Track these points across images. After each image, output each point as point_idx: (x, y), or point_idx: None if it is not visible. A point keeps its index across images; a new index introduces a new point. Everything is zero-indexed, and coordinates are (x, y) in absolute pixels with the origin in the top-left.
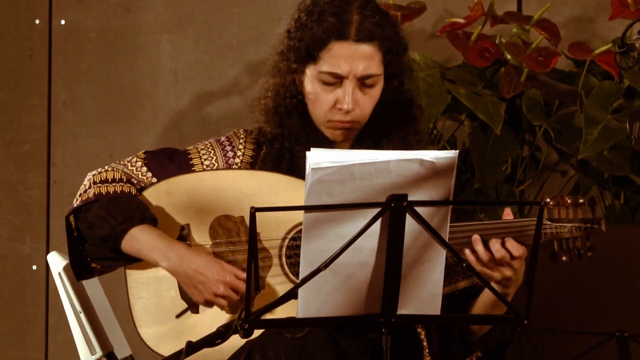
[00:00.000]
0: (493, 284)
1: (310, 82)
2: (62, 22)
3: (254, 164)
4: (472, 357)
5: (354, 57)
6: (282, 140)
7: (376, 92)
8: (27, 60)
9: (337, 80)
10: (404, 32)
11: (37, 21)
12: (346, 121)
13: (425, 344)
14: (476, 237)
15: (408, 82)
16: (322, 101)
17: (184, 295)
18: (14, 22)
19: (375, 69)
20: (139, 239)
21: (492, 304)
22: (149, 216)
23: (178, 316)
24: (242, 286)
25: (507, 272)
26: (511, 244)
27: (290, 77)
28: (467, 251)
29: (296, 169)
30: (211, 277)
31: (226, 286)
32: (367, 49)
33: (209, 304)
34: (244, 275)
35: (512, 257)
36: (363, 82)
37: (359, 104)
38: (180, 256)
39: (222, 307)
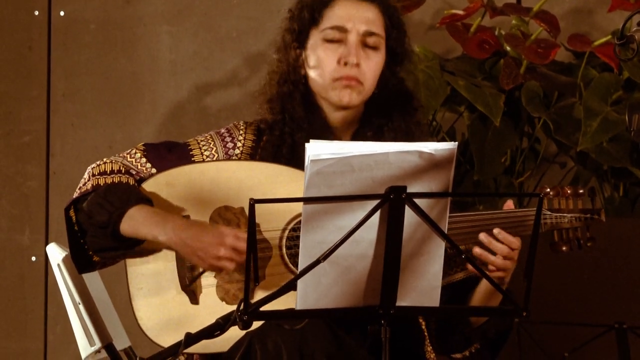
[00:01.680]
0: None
1: (313, 51)
2: (62, 13)
3: (254, 155)
4: (471, 349)
5: (357, 13)
6: (283, 126)
7: (379, 59)
8: (26, 51)
9: (341, 35)
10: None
11: (37, 12)
12: (352, 76)
13: (426, 334)
14: (483, 234)
15: (406, 73)
16: (327, 61)
17: (181, 272)
18: (14, 14)
19: (377, 29)
20: (135, 217)
21: (489, 294)
22: (145, 197)
23: (184, 315)
24: (243, 246)
25: (508, 265)
26: (503, 236)
27: (293, 59)
28: (478, 250)
29: (297, 156)
30: (210, 241)
31: (227, 248)
32: (370, 8)
33: (215, 269)
34: (244, 235)
35: (511, 249)
36: (366, 42)
37: (363, 63)
38: (177, 227)
39: (228, 270)
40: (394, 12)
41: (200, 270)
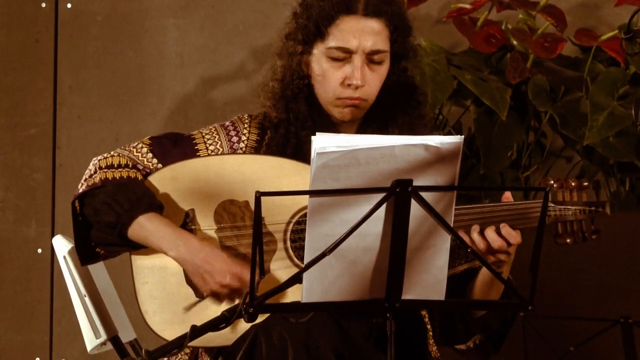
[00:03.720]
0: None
1: (317, 61)
2: (69, 5)
3: (258, 149)
4: (474, 340)
5: (363, 32)
6: (288, 125)
7: (383, 70)
8: (33, 44)
9: (346, 55)
10: (409, 14)
11: (44, 5)
12: (355, 97)
13: (429, 327)
14: (475, 227)
15: (412, 67)
16: (331, 79)
17: (190, 281)
18: (21, 6)
19: (383, 45)
20: (146, 227)
21: (489, 284)
22: (156, 204)
23: (188, 309)
24: (248, 279)
25: (502, 257)
26: (506, 230)
27: (297, 59)
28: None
29: (301, 154)
30: (218, 267)
31: (233, 277)
32: (375, 24)
33: (214, 295)
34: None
35: (509, 244)
36: (371, 59)
37: (367, 80)
38: (188, 245)
39: (227, 300)
40: (399, 18)
41: (197, 294)
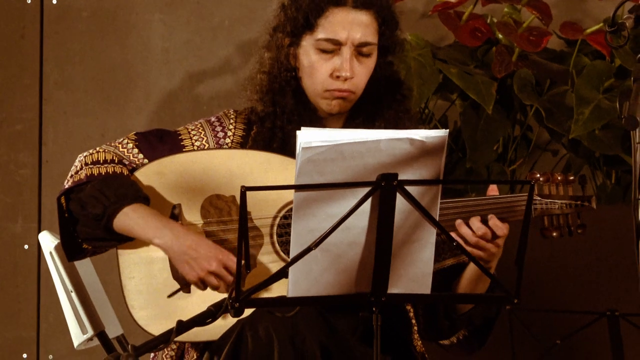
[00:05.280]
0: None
1: (306, 54)
2: (54, 1)
3: (244, 144)
4: (458, 335)
5: (352, 24)
6: (274, 119)
7: (371, 63)
8: (18, 40)
9: (335, 47)
10: (395, 8)
11: (29, 1)
12: (344, 89)
13: (414, 321)
14: (459, 222)
15: (398, 61)
16: (319, 71)
17: (175, 275)
18: (6, 2)
19: (371, 37)
20: (131, 217)
21: (476, 279)
22: (142, 195)
23: (170, 296)
24: (234, 265)
25: (492, 249)
26: (494, 222)
27: (285, 51)
28: (453, 234)
29: (288, 149)
30: (204, 254)
31: (219, 263)
32: (364, 16)
33: (201, 282)
34: (234, 256)
35: (495, 236)
36: (360, 51)
37: (356, 73)
38: (173, 233)
39: (213, 288)
40: (387, 11)
41: (178, 287)
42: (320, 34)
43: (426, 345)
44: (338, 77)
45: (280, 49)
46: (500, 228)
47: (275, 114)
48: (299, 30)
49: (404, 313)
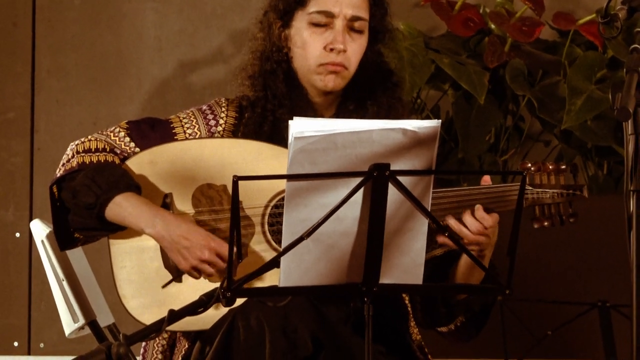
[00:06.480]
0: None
1: (298, 32)
2: None
3: (236, 132)
4: (456, 322)
5: None
6: (265, 103)
7: (363, 41)
8: (10, 27)
9: (327, 20)
10: None
11: None
12: (337, 62)
13: (409, 309)
14: (453, 221)
15: (390, 50)
16: (312, 45)
17: (167, 263)
18: None
19: (364, 13)
20: (123, 206)
21: (470, 267)
22: (134, 184)
23: (164, 287)
24: (226, 253)
25: (481, 239)
26: (480, 214)
27: (277, 32)
28: (452, 222)
29: (278, 132)
30: (196, 242)
31: (211, 252)
32: None
33: (194, 270)
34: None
35: (484, 227)
36: (352, 26)
37: (349, 48)
38: (165, 222)
39: (205, 276)
40: None
41: (171, 277)
42: (313, 7)
43: (422, 333)
44: (332, 49)
45: (271, 28)
46: (487, 220)
47: (267, 98)
48: (291, 7)
49: (398, 302)
